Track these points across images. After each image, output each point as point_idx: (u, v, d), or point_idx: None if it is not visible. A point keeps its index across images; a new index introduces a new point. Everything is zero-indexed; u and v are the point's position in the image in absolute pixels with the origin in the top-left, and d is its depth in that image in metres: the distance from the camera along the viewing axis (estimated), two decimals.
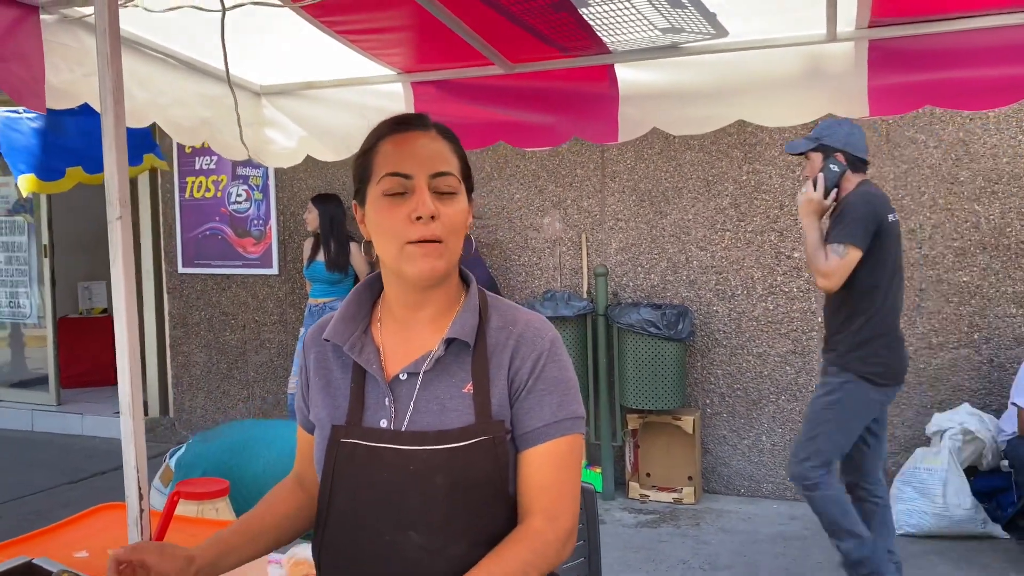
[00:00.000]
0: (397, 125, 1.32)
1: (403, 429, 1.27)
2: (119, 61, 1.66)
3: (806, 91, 2.22)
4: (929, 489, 4.14)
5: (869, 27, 2.10)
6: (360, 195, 1.33)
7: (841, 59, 2.18)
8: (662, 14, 2.02)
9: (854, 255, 3.01)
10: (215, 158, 6.23)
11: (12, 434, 6.76)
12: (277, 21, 2.21)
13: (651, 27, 2.11)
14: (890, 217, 3.13)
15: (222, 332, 6.35)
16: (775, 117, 2.30)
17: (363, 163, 1.32)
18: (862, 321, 3.11)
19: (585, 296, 5.13)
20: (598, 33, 2.16)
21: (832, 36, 2.13)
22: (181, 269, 6.44)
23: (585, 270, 5.19)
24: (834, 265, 3.03)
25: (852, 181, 3.17)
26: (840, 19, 2.07)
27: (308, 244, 5.54)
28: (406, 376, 1.30)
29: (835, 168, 3.12)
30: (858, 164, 3.19)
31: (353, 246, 5.38)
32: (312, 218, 5.40)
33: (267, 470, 3.02)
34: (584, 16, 2.04)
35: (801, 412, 4.81)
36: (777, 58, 2.23)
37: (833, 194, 3.15)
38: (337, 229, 5.35)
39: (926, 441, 4.43)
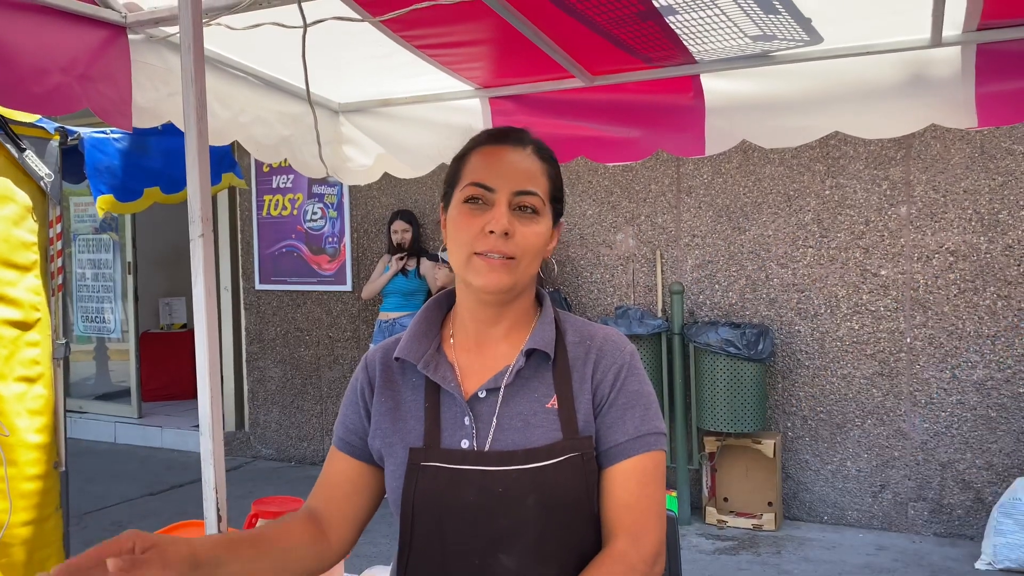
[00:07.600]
0: (494, 137, 1.31)
1: (486, 449, 1.22)
2: (203, 79, 1.66)
3: (908, 100, 2.09)
4: None
5: (978, 30, 1.97)
6: (447, 199, 1.32)
7: (946, 65, 2.05)
8: (754, 21, 1.92)
9: None
10: (292, 177, 6.33)
11: (96, 445, 6.97)
12: (356, 39, 2.20)
13: (741, 35, 2.02)
14: None
15: (297, 348, 6.42)
16: (874, 128, 2.16)
17: (455, 168, 1.31)
18: None
19: (659, 314, 5.00)
20: (684, 42, 2.07)
21: (937, 41, 2.00)
22: (258, 286, 6.55)
23: (660, 288, 5.07)
24: None
25: None
26: (947, 22, 1.94)
27: (383, 261, 5.52)
28: (485, 393, 1.25)
29: None
30: None
31: (425, 261, 5.37)
32: (409, 236, 5.44)
33: None
34: (671, 25, 1.96)
35: (889, 436, 4.59)
36: (875, 65, 2.11)
37: None
38: (416, 244, 5.45)
39: None
